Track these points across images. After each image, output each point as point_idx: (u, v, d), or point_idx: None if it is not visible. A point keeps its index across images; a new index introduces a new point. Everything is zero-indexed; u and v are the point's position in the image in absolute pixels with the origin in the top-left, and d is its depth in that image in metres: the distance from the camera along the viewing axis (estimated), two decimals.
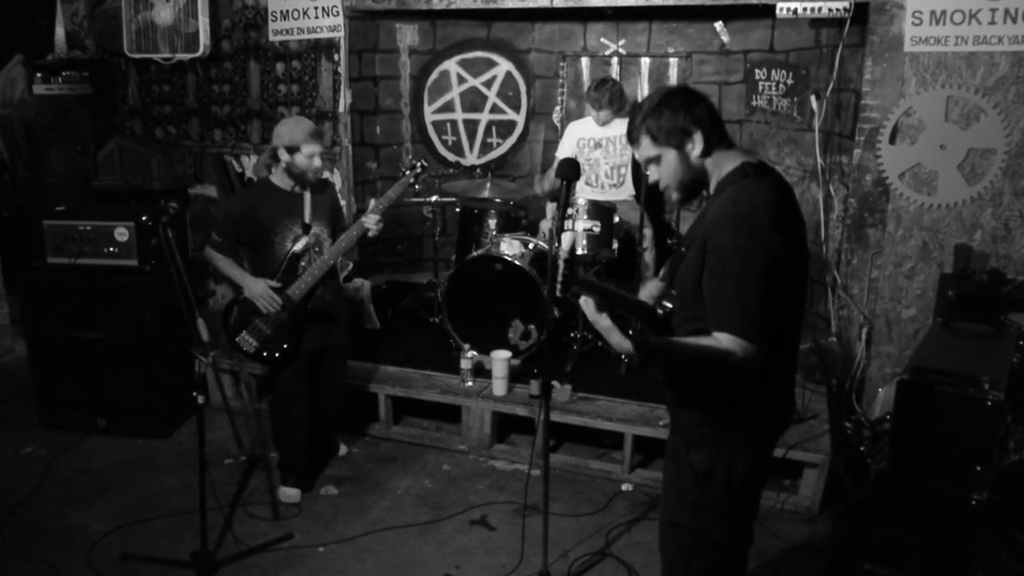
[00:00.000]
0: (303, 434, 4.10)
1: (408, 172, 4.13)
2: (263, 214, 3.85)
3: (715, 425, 2.37)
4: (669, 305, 2.41)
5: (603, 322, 2.16)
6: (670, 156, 2.30)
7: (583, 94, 6.45)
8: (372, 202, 4.01)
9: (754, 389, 2.30)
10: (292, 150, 3.77)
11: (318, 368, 4.10)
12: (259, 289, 3.81)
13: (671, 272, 2.53)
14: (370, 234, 3.90)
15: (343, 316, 4.19)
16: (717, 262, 2.13)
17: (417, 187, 4.30)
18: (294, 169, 3.81)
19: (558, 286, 2.24)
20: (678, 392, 2.45)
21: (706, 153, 2.29)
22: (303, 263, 3.89)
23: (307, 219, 3.89)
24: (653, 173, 2.37)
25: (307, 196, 3.91)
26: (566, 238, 2.41)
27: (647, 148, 2.32)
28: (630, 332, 2.16)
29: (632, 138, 2.36)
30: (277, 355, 3.91)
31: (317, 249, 3.92)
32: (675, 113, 2.27)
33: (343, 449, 4.57)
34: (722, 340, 2.11)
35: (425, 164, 4.19)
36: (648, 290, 2.58)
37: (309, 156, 3.79)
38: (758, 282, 2.09)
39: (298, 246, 3.86)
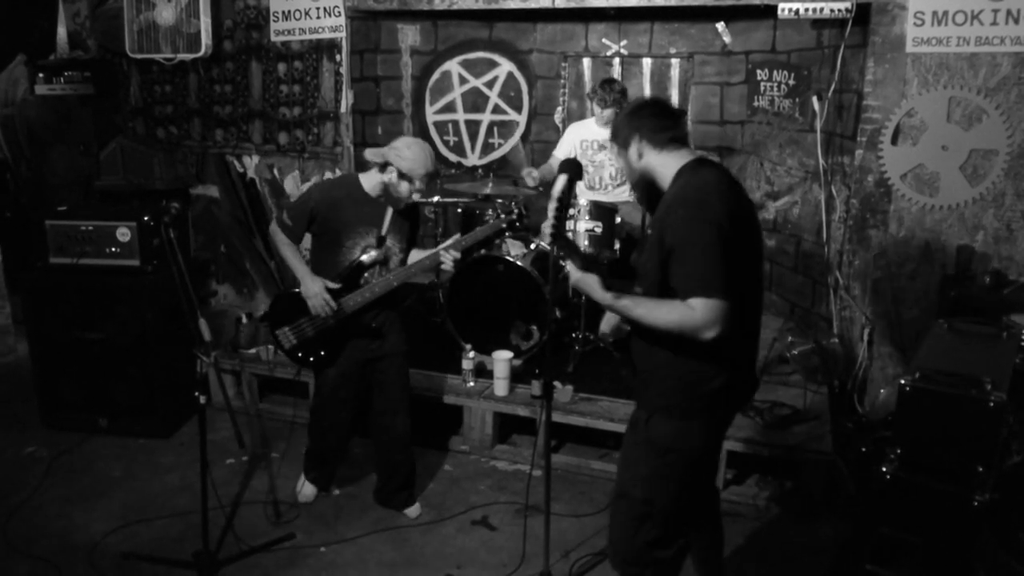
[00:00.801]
0: (338, 439, 4.01)
1: (503, 216, 3.74)
2: (342, 215, 3.64)
3: (678, 397, 2.51)
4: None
5: (588, 279, 2.54)
6: (624, 157, 2.66)
7: (585, 94, 6.46)
8: (456, 236, 3.79)
9: (718, 359, 2.45)
10: (404, 177, 3.56)
11: (372, 378, 3.89)
12: (316, 289, 3.61)
13: (639, 258, 2.79)
14: (444, 267, 3.67)
15: (397, 323, 3.89)
16: (672, 237, 2.36)
17: (508, 234, 4.03)
18: (392, 190, 3.60)
19: (550, 227, 2.56)
20: (644, 361, 2.58)
21: (643, 156, 2.60)
22: (366, 275, 3.70)
23: (384, 231, 3.68)
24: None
25: (390, 210, 3.71)
26: (559, 181, 2.57)
27: (614, 149, 2.71)
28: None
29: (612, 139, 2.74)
30: (312, 359, 3.78)
31: (384, 264, 3.73)
32: (622, 121, 2.65)
33: (413, 510, 4.03)
34: (695, 304, 2.30)
35: (525, 213, 3.78)
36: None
37: (413, 191, 3.60)
38: (713, 247, 2.30)
39: (366, 257, 3.66)
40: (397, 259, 3.77)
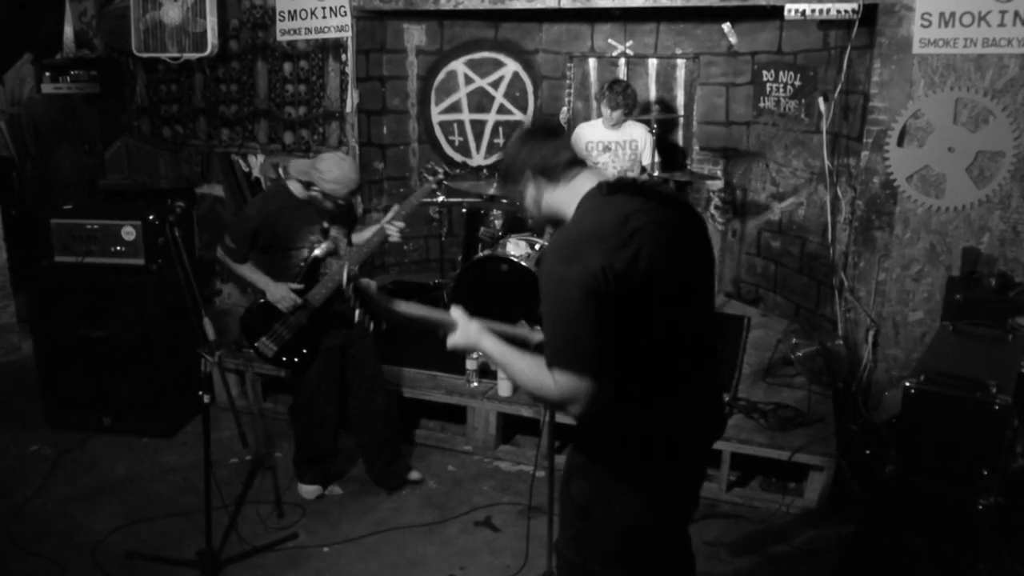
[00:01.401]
0: (330, 431, 4.09)
1: (431, 178, 4.07)
2: (282, 225, 3.78)
3: (594, 456, 2.20)
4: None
5: (470, 330, 2.36)
6: (523, 197, 2.27)
7: (590, 95, 6.46)
8: (395, 208, 3.93)
9: (635, 422, 2.11)
10: (327, 197, 3.69)
11: (344, 365, 4.05)
12: (282, 292, 3.77)
13: None
14: (391, 239, 3.85)
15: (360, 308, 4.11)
16: (543, 291, 2.01)
17: (438, 194, 4.27)
18: (318, 204, 3.74)
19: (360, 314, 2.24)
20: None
21: (543, 193, 2.22)
22: (323, 267, 3.85)
23: (325, 223, 3.83)
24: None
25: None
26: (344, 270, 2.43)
27: (509, 189, 2.31)
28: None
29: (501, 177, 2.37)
30: (297, 360, 3.88)
31: (335, 254, 3.89)
32: (513, 158, 2.25)
33: (415, 474, 4.30)
34: (556, 377, 1.96)
35: (448, 170, 4.13)
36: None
37: (339, 205, 3.75)
38: (582, 312, 1.92)
39: (318, 251, 3.81)
40: (345, 245, 3.95)
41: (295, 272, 3.81)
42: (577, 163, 2.22)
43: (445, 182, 4.15)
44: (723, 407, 2.39)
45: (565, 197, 2.18)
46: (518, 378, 2.10)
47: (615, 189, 2.12)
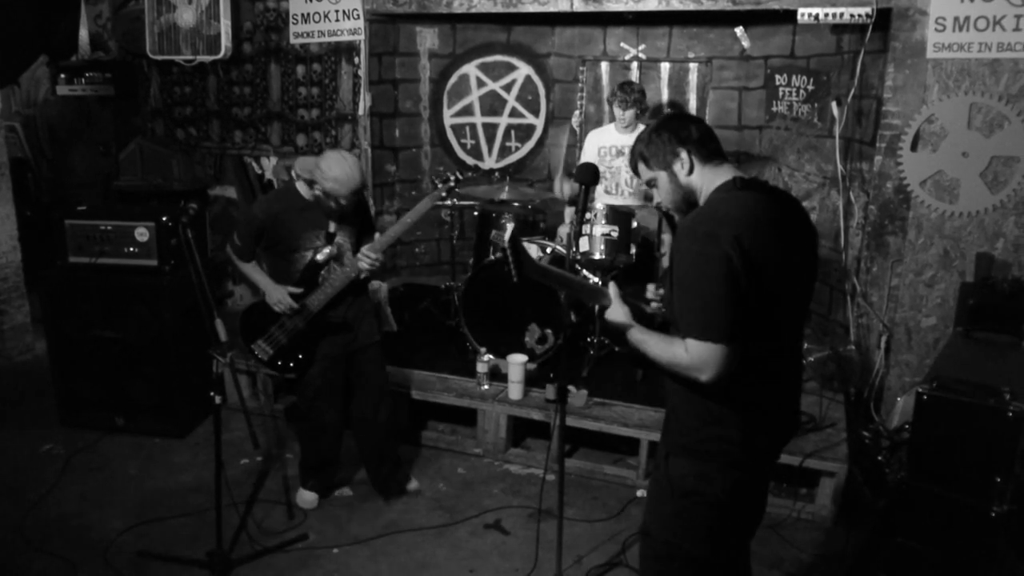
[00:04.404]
0: (331, 438, 4.05)
1: (441, 185, 4.09)
2: (286, 226, 3.76)
3: (695, 437, 2.31)
4: (656, 306, 2.52)
5: (617, 312, 2.36)
6: (663, 178, 2.38)
7: (602, 98, 6.46)
8: (409, 214, 3.89)
9: (735, 402, 2.25)
10: (329, 196, 3.65)
11: (349, 372, 4.01)
12: (279, 295, 3.76)
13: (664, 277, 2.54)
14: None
15: (368, 315, 4.04)
16: (678, 270, 2.17)
17: (448, 200, 4.31)
18: (322, 203, 3.70)
19: (512, 270, 2.29)
20: (669, 396, 2.42)
21: (693, 170, 2.34)
22: (323, 273, 3.82)
23: (331, 228, 3.79)
24: (655, 195, 2.46)
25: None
26: (508, 228, 2.50)
27: (644, 172, 2.43)
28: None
29: (632, 165, 2.47)
30: (291, 364, 3.87)
31: (338, 260, 3.84)
32: (661, 137, 2.35)
33: (414, 484, 4.25)
34: (689, 346, 2.13)
35: (459, 178, 4.14)
36: (650, 292, 2.59)
37: (340, 204, 3.69)
38: (717, 286, 2.09)
39: (320, 256, 3.78)
40: (350, 253, 3.86)
41: (296, 276, 3.80)
42: (722, 153, 2.37)
43: (456, 189, 4.19)
44: (799, 409, 2.52)
45: (708, 180, 2.32)
46: (654, 353, 2.25)
47: (748, 186, 2.28)
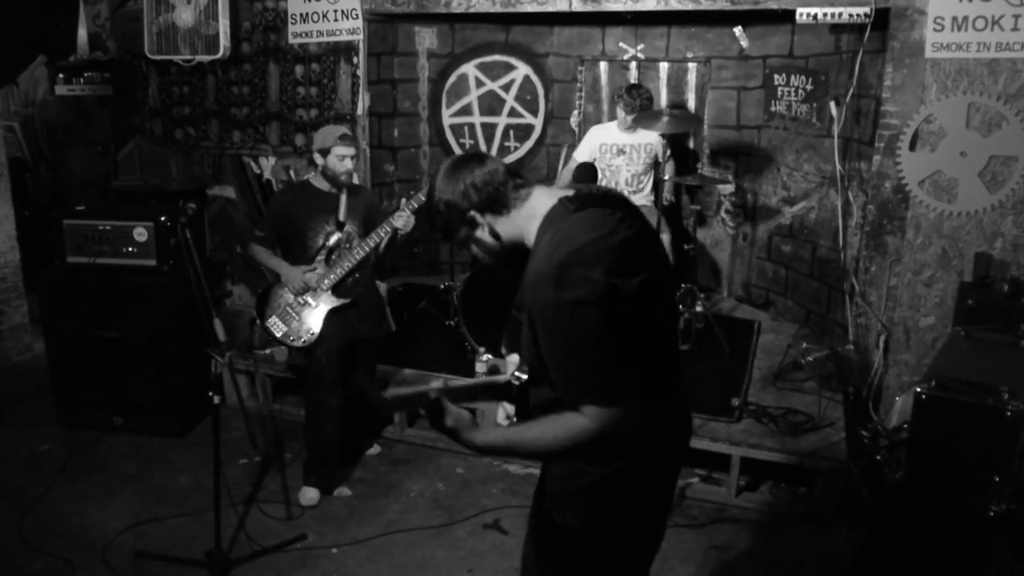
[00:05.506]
0: (334, 426, 4.13)
1: (404, 201, 4.23)
2: (300, 212, 4.07)
3: (584, 476, 2.02)
4: (524, 376, 2.07)
5: (461, 425, 1.93)
6: (473, 240, 2.08)
7: (601, 98, 6.46)
8: (403, 201, 4.08)
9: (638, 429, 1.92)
10: (324, 153, 4.00)
11: (350, 361, 4.18)
12: (294, 274, 4.03)
13: (510, 340, 2.22)
14: (400, 233, 4.05)
15: (377, 308, 4.35)
16: (546, 327, 1.83)
17: None
18: (328, 172, 4.03)
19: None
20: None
21: (501, 221, 2.01)
22: (334, 257, 4.08)
23: (341, 217, 4.06)
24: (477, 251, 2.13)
25: (343, 197, 4.08)
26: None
27: (456, 239, 2.09)
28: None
29: (435, 229, 2.11)
30: (303, 340, 4.05)
31: (348, 245, 4.08)
32: (445, 207, 2.02)
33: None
34: (590, 413, 1.80)
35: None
36: (512, 360, 2.28)
37: (340, 157, 3.99)
38: (598, 339, 1.78)
39: (331, 240, 4.06)
40: (359, 240, 4.12)
41: (310, 260, 4.07)
42: (518, 180, 2.02)
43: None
44: (689, 409, 2.29)
45: (523, 221, 1.99)
46: (539, 451, 1.93)
47: (583, 203, 1.95)
